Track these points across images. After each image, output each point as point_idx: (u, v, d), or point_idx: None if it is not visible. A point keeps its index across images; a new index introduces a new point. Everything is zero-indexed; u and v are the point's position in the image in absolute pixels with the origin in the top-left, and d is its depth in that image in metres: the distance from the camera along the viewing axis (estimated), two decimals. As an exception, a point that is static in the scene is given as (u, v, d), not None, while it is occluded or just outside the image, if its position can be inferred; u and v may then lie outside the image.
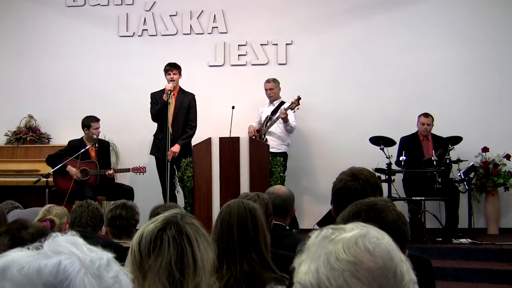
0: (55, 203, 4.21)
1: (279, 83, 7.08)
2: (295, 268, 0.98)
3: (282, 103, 6.93)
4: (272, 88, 7.04)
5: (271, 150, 6.79)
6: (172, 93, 6.70)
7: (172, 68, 6.75)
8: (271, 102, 7.09)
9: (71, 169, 6.59)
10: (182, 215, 1.63)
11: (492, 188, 6.86)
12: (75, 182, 6.57)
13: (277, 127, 6.83)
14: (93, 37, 7.94)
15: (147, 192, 6.97)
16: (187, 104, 6.81)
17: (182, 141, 6.69)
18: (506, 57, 7.29)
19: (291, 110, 6.65)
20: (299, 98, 6.61)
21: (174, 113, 6.76)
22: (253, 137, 7.01)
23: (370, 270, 0.91)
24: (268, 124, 6.90)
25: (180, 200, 6.44)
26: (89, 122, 6.75)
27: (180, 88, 6.89)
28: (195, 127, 6.81)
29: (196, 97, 6.87)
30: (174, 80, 6.70)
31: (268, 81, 7.07)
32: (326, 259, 0.92)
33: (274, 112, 6.89)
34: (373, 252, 0.93)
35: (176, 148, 6.61)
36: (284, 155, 6.86)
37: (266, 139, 6.87)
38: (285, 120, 6.66)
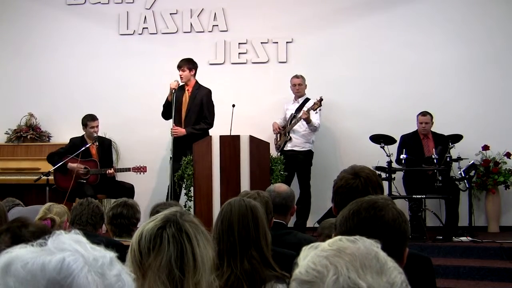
0: (56, 201, 4.21)
1: (305, 80, 7.07)
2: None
3: (307, 100, 6.92)
4: (301, 83, 7.03)
5: (294, 148, 6.84)
6: (186, 90, 6.66)
7: (181, 65, 6.68)
8: (296, 99, 7.09)
9: (72, 165, 6.58)
10: (182, 213, 1.63)
11: (492, 186, 6.86)
12: (76, 180, 6.56)
13: (301, 125, 6.82)
14: (94, 35, 7.94)
15: (148, 190, 6.98)
16: (200, 100, 6.68)
17: (191, 129, 6.57)
18: (507, 55, 7.28)
19: (313, 111, 6.64)
20: (321, 99, 6.60)
21: (187, 109, 6.67)
22: (278, 134, 7.04)
23: (353, 253, 0.98)
24: (292, 122, 6.90)
25: (180, 198, 6.43)
26: (85, 121, 6.75)
27: (196, 82, 6.77)
28: (211, 125, 6.67)
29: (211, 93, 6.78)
30: (182, 78, 6.67)
31: (296, 76, 7.06)
32: (313, 253, 1.00)
33: (298, 110, 6.89)
34: (355, 242, 1.01)
35: (181, 129, 6.57)
36: (308, 153, 6.89)
37: (291, 137, 6.88)
38: (307, 120, 6.65)
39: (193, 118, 6.65)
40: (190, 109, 6.68)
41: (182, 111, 6.64)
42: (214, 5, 7.81)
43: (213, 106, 6.74)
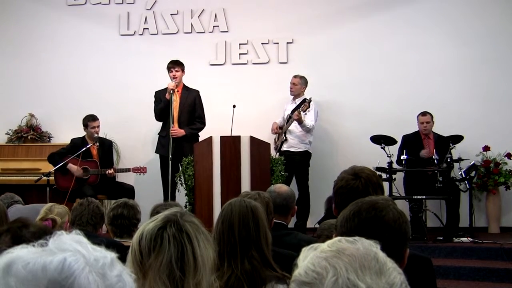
0: (56, 201, 4.22)
1: (306, 81, 7.05)
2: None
3: (304, 101, 6.93)
4: (295, 83, 7.03)
5: (290, 149, 6.83)
6: (176, 91, 6.68)
7: (175, 66, 6.73)
8: (294, 99, 7.08)
9: (72, 167, 6.59)
10: (182, 213, 1.63)
11: (493, 187, 6.86)
12: (76, 181, 6.56)
13: (297, 126, 6.80)
14: (94, 36, 7.94)
15: (149, 191, 6.97)
16: (192, 101, 6.79)
17: (189, 130, 6.67)
18: (508, 56, 7.28)
19: (303, 112, 6.64)
20: (310, 100, 6.59)
21: (179, 110, 6.73)
22: (277, 134, 7.04)
23: (352, 254, 0.98)
24: (287, 122, 6.91)
25: (181, 198, 6.43)
26: (86, 121, 6.75)
27: (184, 85, 6.87)
28: (204, 123, 6.82)
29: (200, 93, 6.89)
30: (176, 78, 6.70)
31: (294, 76, 7.07)
32: (312, 254, 1.00)
33: (294, 110, 6.89)
34: (355, 243, 1.01)
35: (180, 130, 6.60)
36: (305, 154, 6.87)
37: (286, 138, 6.88)
38: (299, 121, 6.64)
39: (186, 118, 6.75)
40: (183, 110, 6.74)
41: (174, 113, 6.66)
42: (215, 6, 7.82)
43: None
